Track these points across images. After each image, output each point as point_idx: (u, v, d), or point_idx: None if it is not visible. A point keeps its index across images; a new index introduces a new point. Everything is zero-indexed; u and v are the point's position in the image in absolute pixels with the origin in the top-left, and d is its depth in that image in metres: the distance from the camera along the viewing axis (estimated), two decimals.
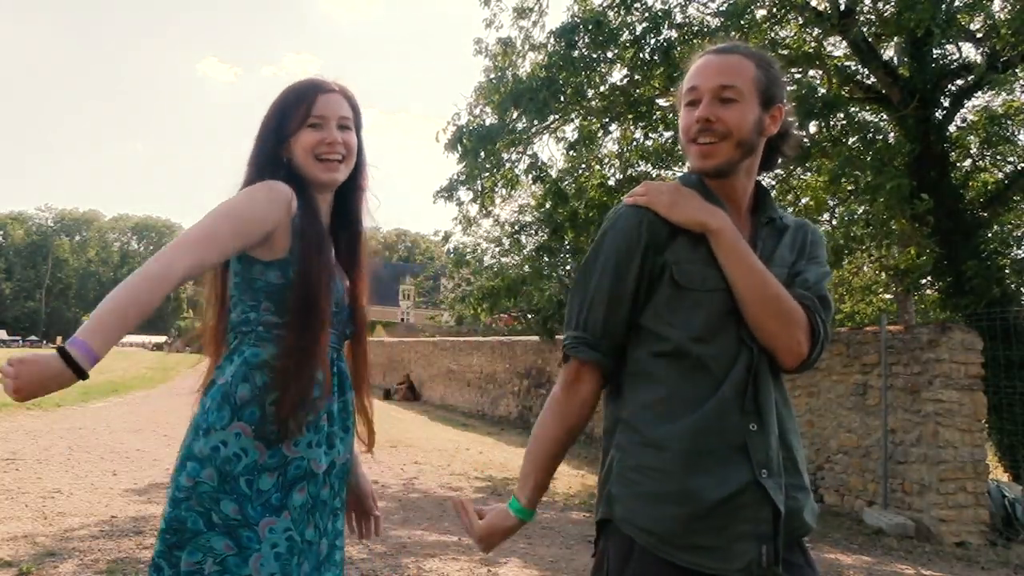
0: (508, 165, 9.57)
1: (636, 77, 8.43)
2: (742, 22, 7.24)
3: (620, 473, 1.38)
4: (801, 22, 8.50)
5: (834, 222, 9.69)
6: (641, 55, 7.98)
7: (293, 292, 1.53)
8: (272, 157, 1.63)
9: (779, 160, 1.51)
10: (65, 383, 1.25)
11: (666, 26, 7.95)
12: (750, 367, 1.32)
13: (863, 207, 8.60)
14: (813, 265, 1.42)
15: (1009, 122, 9.39)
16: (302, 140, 1.61)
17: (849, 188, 7.92)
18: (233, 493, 1.46)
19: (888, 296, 13.20)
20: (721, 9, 7.64)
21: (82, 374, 1.25)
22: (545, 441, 1.41)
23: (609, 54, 8.33)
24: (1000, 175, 9.75)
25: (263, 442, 1.49)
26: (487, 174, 9.41)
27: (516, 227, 10.89)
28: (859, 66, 8.79)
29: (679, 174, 1.54)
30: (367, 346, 1.77)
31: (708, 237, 1.34)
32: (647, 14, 8.06)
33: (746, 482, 1.30)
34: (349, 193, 1.72)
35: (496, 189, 9.88)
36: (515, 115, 8.79)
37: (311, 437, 1.53)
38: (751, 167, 1.42)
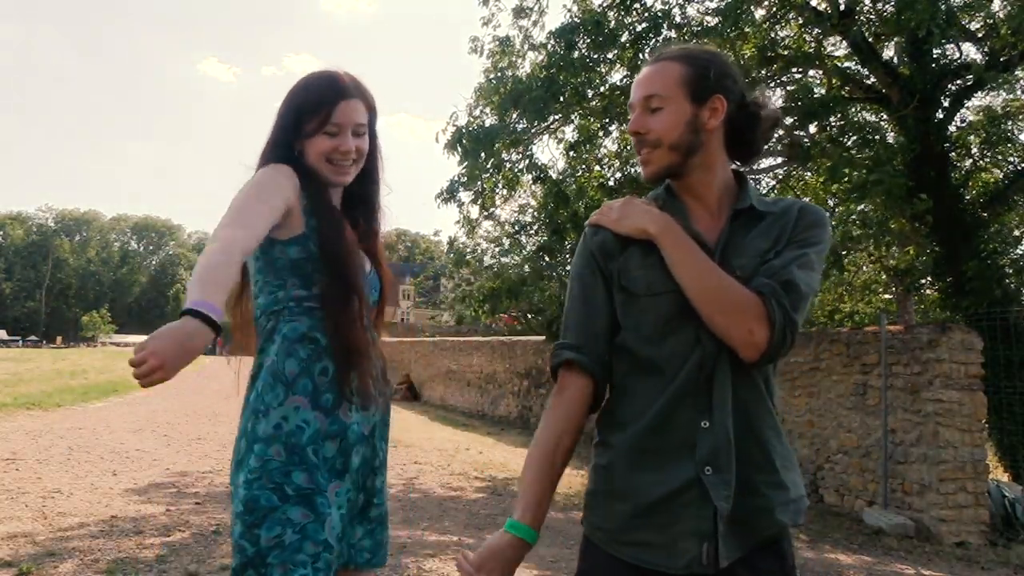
0: (508, 166, 9.57)
1: (636, 78, 8.42)
2: (741, 22, 7.23)
3: (588, 474, 1.46)
4: (801, 22, 8.49)
5: (834, 222, 9.69)
6: (641, 56, 7.98)
7: (323, 267, 1.60)
8: (286, 153, 1.68)
9: (759, 147, 1.49)
10: (205, 341, 1.20)
11: (666, 26, 7.95)
12: (702, 366, 1.33)
13: (860, 206, 8.61)
14: (791, 249, 1.36)
15: (1009, 122, 9.39)
16: (316, 144, 1.67)
17: (847, 187, 7.90)
18: (303, 464, 1.52)
19: (888, 296, 13.20)
20: (720, 9, 7.63)
21: (217, 328, 1.22)
22: (537, 452, 1.38)
23: (609, 55, 8.33)
24: (1000, 175, 9.74)
25: (321, 411, 1.56)
26: (487, 175, 9.40)
27: (516, 227, 10.87)
28: (859, 66, 8.79)
29: None
30: (384, 327, 1.88)
31: (655, 242, 1.38)
32: (646, 14, 8.06)
33: (689, 479, 1.30)
34: (363, 185, 1.80)
35: (496, 190, 9.87)
36: (515, 116, 8.79)
37: (359, 401, 1.62)
38: (707, 162, 1.42)
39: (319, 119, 1.66)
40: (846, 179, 7.56)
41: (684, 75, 1.40)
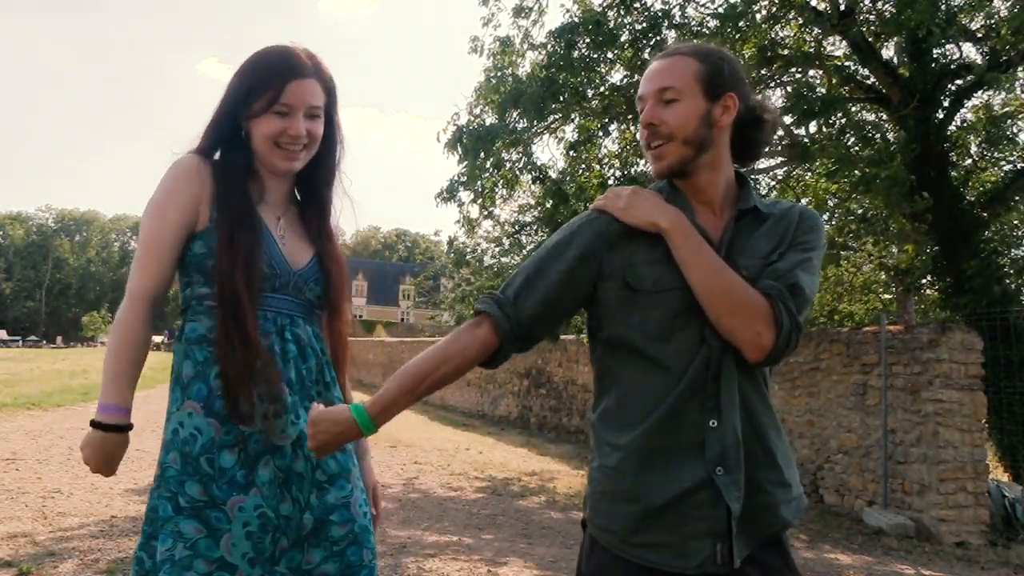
0: (508, 165, 9.57)
1: (636, 77, 8.43)
2: (741, 22, 7.23)
3: (589, 474, 1.44)
4: (801, 22, 8.49)
5: (833, 221, 9.68)
6: (640, 56, 7.98)
7: (215, 264, 1.49)
8: (231, 130, 1.58)
9: (760, 149, 1.50)
10: (115, 445, 1.48)
11: (665, 26, 7.95)
12: (708, 364, 1.32)
13: (860, 206, 8.60)
14: (793, 252, 1.38)
15: (1009, 122, 9.39)
16: (263, 125, 1.54)
17: (851, 182, 7.89)
18: (196, 474, 1.42)
19: (888, 296, 13.20)
20: (720, 11, 7.64)
21: (119, 429, 1.47)
22: (416, 365, 1.39)
23: (609, 55, 8.33)
24: (1000, 175, 9.74)
25: (216, 419, 1.45)
26: (487, 175, 9.40)
27: (516, 227, 10.88)
28: (859, 66, 8.79)
29: None
30: (343, 323, 1.70)
31: (663, 236, 1.36)
32: (647, 14, 8.06)
33: (700, 480, 1.30)
34: (316, 173, 1.67)
35: (496, 189, 9.87)
36: (515, 115, 8.79)
37: (266, 408, 1.47)
38: (714, 161, 1.42)
39: (268, 97, 1.51)
40: (846, 177, 7.56)
41: (699, 71, 1.40)
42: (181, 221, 1.51)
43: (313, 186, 1.68)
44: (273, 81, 1.52)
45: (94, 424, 1.44)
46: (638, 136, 1.51)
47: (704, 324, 1.33)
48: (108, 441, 1.45)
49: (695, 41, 7.39)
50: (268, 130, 1.53)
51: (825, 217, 9.80)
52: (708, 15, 8.24)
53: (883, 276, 12.41)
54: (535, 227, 10.53)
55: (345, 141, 1.71)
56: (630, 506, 1.33)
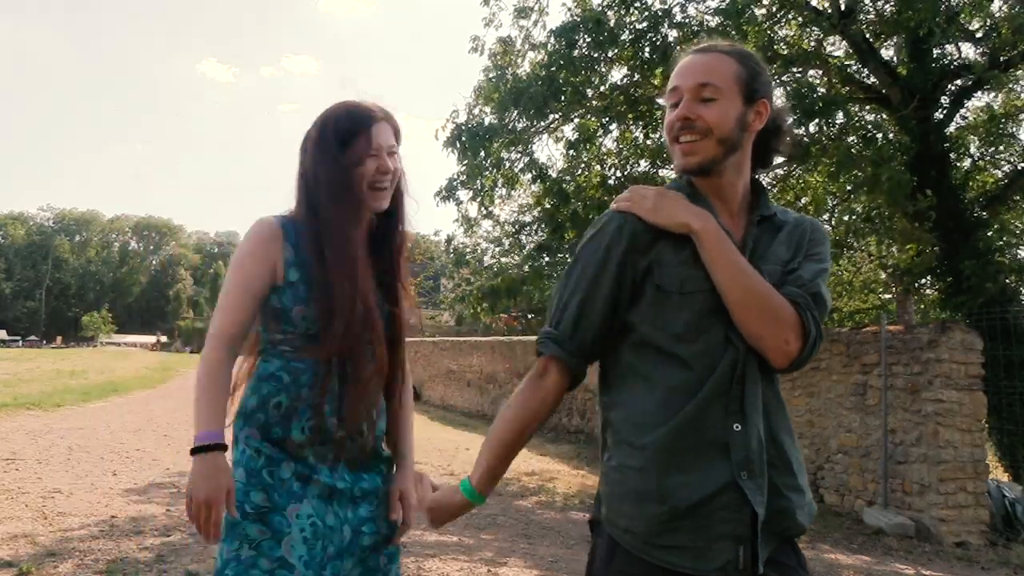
0: (508, 165, 9.55)
1: (636, 77, 8.42)
2: (741, 21, 7.23)
3: (606, 473, 1.41)
4: (801, 21, 8.50)
5: (833, 221, 9.68)
6: (641, 55, 7.98)
7: (303, 313, 1.65)
8: (345, 183, 1.67)
9: (774, 157, 1.50)
10: (218, 467, 1.53)
11: (666, 25, 7.95)
12: (735, 366, 1.32)
13: (862, 205, 8.59)
14: (810, 262, 1.40)
15: (1009, 122, 9.39)
16: (362, 170, 1.68)
17: (848, 187, 7.91)
18: (259, 485, 1.61)
19: (888, 296, 13.20)
20: (721, 8, 7.64)
21: (218, 448, 1.54)
22: (503, 428, 1.44)
23: (609, 54, 8.33)
24: (1000, 174, 9.75)
25: (271, 443, 1.65)
26: (487, 174, 9.39)
27: (516, 227, 10.86)
28: (859, 66, 8.79)
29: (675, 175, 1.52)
30: (402, 356, 1.82)
31: (692, 238, 1.35)
32: (647, 13, 8.06)
33: (725, 483, 1.29)
34: (392, 211, 1.80)
35: (496, 189, 9.85)
36: (515, 114, 8.78)
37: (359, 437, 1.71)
38: (739, 164, 1.42)
39: (362, 144, 1.67)
40: (849, 177, 7.56)
41: (739, 73, 1.39)
42: (260, 277, 1.66)
43: (387, 228, 1.80)
44: (360, 126, 1.68)
45: (195, 451, 1.53)
46: (664, 129, 1.48)
47: (729, 326, 1.33)
48: (210, 460, 1.53)
49: (695, 41, 7.39)
50: (366, 173, 1.68)
51: (825, 217, 9.81)
52: (709, 12, 8.25)
53: (883, 276, 12.41)
54: (535, 227, 10.52)
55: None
56: (656, 507, 1.31)
